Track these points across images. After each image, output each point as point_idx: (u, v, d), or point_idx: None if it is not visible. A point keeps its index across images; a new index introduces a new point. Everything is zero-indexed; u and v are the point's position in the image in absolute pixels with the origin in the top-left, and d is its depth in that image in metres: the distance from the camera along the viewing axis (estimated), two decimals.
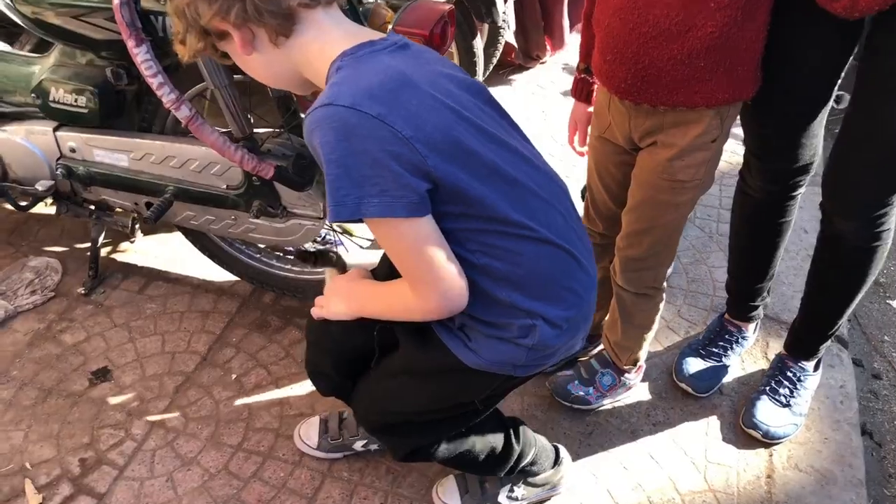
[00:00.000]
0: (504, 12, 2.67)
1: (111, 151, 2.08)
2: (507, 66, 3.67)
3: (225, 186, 2.05)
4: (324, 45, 1.16)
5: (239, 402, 2.10)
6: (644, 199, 1.73)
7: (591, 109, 1.88)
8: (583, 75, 1.87)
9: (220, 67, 1.80)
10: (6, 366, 2.19)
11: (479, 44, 2.83)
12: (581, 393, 2.07)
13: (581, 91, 1.90)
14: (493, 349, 1.28)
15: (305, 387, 2.13)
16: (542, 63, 3.72)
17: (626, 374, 2.07)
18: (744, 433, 2.01)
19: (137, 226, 2.32)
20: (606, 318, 2.09)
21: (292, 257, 2.36)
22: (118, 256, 2.59)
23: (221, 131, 1.85)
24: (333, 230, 2.36)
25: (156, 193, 2.08)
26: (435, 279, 1.17)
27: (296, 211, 2.05)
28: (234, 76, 1.84)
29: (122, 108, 2.06)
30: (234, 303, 2.40)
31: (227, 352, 2.25)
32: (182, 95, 1.78)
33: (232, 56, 1.25)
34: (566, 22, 3.51)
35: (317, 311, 1.46)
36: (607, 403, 2.10)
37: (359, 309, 1.37)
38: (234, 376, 2.17)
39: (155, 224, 2.03)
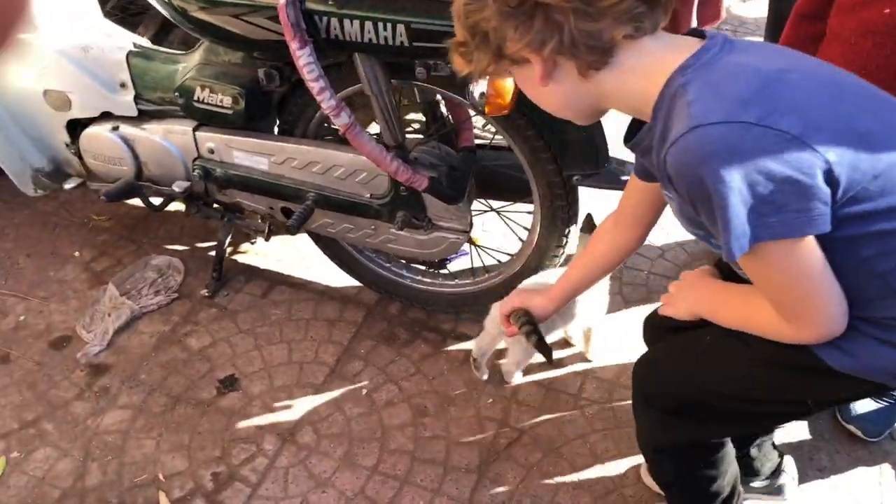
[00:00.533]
0: None
1: (252, 154, 2.00)
2: None
3: (369, 195, 1.95)
4: (649, 67, 1.03)
5: (371, 419, 2.01)
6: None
7: None
8: None
9: (378, 72, 1.70)
10: (134, 369, 2.14)
11: None
12: None
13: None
14: (875, 354, 1.09)
15: (439, 407, 2.03)
16: None
17: None
18: None
19: (272, 230, 2.23)
20: None
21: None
22: (240, 258, 2.53)
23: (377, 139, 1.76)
24: (469, 241, 2.24)
25: (295, 199, 2.00)
26: (818, 311, 1.03)
27: (441, 224, 1.95)
28: (392, 81, 1.74)
29: (268, 110, 1.98)
30: (360, 312, 2.32)
31: (356, 364, 2.16)
32: (342, 102, 1.69)
33: (518, 80, 1.14)
34: (695, 22, 3.32)
35: (665, 310, 1.35)
36: None
37: (709, 312, 1.25)
38: (364, 391, 2.09)
39: (297, 233, 1.95)
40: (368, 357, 2.18)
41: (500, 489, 1.84)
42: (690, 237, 1.85)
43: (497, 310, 1.85)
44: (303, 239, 2.55)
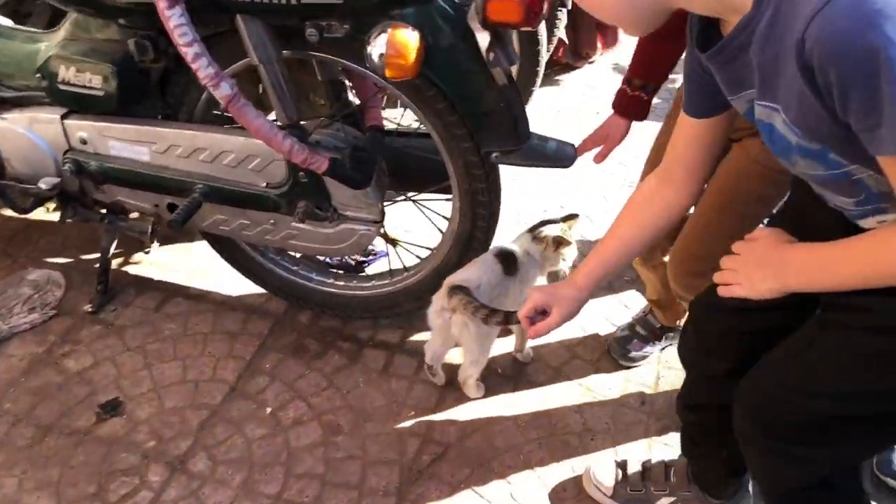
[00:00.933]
0: None
1: (130, 143, 1.75)
2: (554, 66, 3.37)
3: (265, 184, 1.72)
4: None
5: (276, 441, 1.76)
6: (724, 186, 1.51)
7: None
8: (636, 92, 1.62)
9: (265, 37, 1.49)
10: None
11: (543, 30, 2.54)
12: (639, 352, 1.95)
13: (626, 106, 1.66)
14: None
15: (354, 424, 1.80)
16: (591, 63, 3.43)
17: None
18: None
19: (157, 231, 1.97)
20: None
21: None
22: (131, 269, 2.25)
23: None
24: (386, 238, 2.03)
25: (181, 193, 1.76)
26: None
27: (349, 213, 1.73)
28: (283, 52, 1.53)
29: (145, 91, 1.74)
30: (265, 323, 2.07)
31: (260, 381, 1.91)
32: (223, 72, 1.47)
33: None
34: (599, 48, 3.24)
35: (733, 290, 1.08)
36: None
37: (808, 282, 1.00)
38: (268, 410, 1.84)
39: (180, 229, 1.70)
40: (274, 372, 1.93)
41: None
42: None
43: (440, 301, 1.67)
44: (202, 246, 2.30)
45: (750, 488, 1.55)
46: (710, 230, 1.54)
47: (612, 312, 2.11)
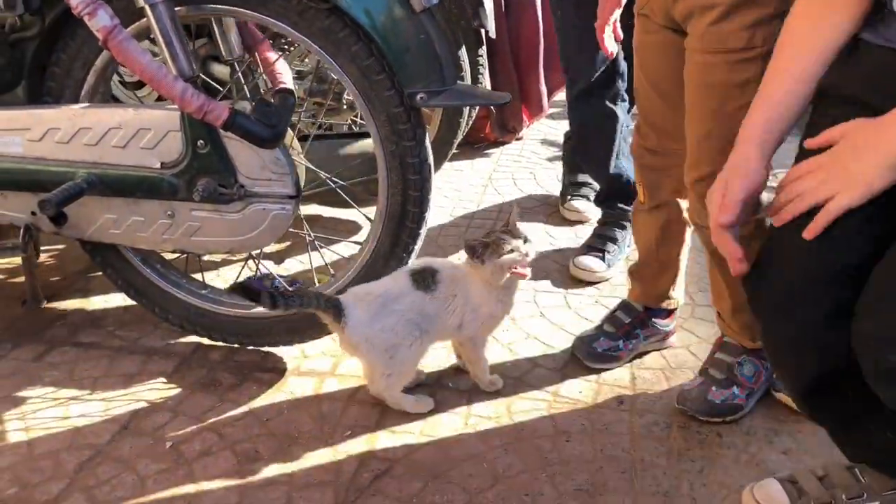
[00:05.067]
0: (490, 19, 2.32)
1: None
2: (482, 142, 3.31)
3: (159, 164, 1.49)
4: None
5: (176, 475, 1.40)
6: (694, 96, 1.38)
7: None
8: None
9: None
10: None
11: (484, 52, 2.43)
12: (725, 398, 1.52)
13: None
14: None
15: (277, 450, 1.45)
16: (518, 139, 3.37)
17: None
18: None
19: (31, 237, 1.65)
20: (710, 290, 1.57)
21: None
22: (4, 317, 1.92)
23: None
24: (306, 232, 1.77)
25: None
26: None
27: (258, 189, 1.50)
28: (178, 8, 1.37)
29: (17, 71, 1.53)
30: (169, 362, 1.74)
31: (160, 417, 1.56)
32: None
33: None
34: (543, 88, 3.21)
35: (832, 207, 0.89)
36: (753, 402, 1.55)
37: None
38: (168, 444, 1.48)
39: (55, 216, 1.43)
40: (179, 408, 1.59)
41: None
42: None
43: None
44: (95, 290, 2.01)
45: None
46: (710, 141, 1.36)
47: (573, 327, 1.86)
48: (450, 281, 1.52)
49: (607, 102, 2.06)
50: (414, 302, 1.48)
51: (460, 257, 1.62)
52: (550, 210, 2.53)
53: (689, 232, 1.67)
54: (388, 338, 1.46)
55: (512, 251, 1.45)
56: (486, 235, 1.49)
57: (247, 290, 1.44)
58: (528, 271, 1.49)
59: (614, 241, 2.12)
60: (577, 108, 2.12)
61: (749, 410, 1.53)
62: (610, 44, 1.64)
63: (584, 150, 2.24)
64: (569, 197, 2.47)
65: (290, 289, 1.81)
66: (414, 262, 1.58)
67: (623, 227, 2.14)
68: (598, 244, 2.12)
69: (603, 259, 2.08)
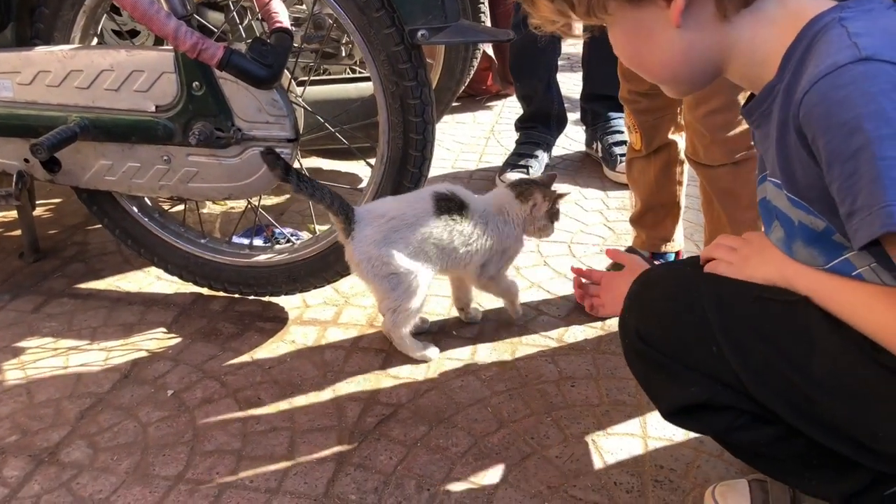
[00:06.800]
0: None
1: None
2: (484, 95, 3.26)
3: (154, 108, 1.45)
4: (790, 14, 0.83)
5: (178, 421, 1.38)
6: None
7: None
8: None
9: None
10: None
11: None
12: None
13: None
14: None
15: (279, 396, 1.44)
16: None
17: None
18: None
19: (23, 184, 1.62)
20: (705, 232, 1.57)
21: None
22: (2, 269, 1.89)
23: None
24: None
25: None
26: None
27: (255, 133, 1.46)
28: None
29: (6, 14, 1.48)
30: (169, 313, 1.72)
31: (161, 366, 1.54)
32: None
33: (621, 29, 0.90)
34: None
35: (716, 267, 0.98)
36: None
37: (805, 289, 0.89)
38: (170, 392, 1.46)
39: (47, 161, 1.40)
40: (179, 357, 1.57)
41: (371, 474, 1.25)
42: None
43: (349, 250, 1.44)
44: (93, 242, 1.99)
45: None
46: None
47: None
48: (480, 218, 1.48)
49: None
50: (432, 231, 1.43)
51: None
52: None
53: (686, 170, 1.65)
54: (391, 264, 1.42)
55: (558, 211, 1.53)
56: (546, 182, 1.55)
57: (272, 156, 1.37)
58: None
59: (535, 157, 2.39)
60: (522, 32, 2.21)
61: None
62: None
63: (522, 73, 2.41)
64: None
65: (293, 236, 1.79)
66: (439, 186, 1.51)
67: (539, 146, 2.42)
68: (521, 162, 2.37)
69: (528, 174, 2.32)
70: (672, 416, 1.01)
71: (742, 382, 0.92)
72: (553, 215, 1.53)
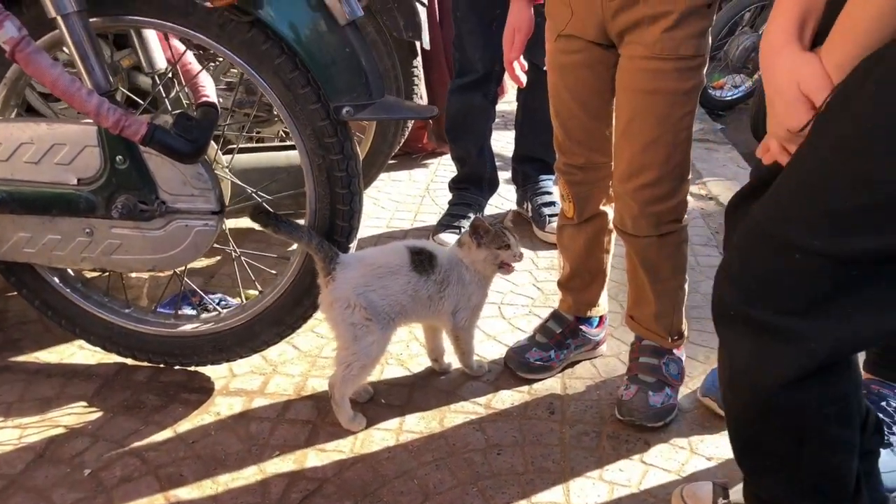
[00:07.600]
0: (424, 31, 2.32)
1: None
2: (419, 152, 3.30)
3: (76, 181, 1.44)
4: None
5: (95, 503, 1.34)
6: (641, 104, 1.40)
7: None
8: None
9: None
10: None
11: (419, 63, 2.46)
12: (662, 401, 1.56)
13: None
14: None
15: (202, 473, 1.41)
16: None
17: (677, 351, 1.65)
18: None
19: None
20: (629, 296, 1.63)
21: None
22: None
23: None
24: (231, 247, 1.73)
25: None
26: None
27: (179, 206, 1.46)
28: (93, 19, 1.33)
29: None
30: (90, 385, 1.68)
31: (79, 443, 1.50)
32: (6, 10, 1.24)
33: None
34: None
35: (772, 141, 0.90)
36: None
37: (842, 55, 0.81)
38: (87, 471, 1.42)
39: None
40: (99, 433, 1.53)
41: None
42: None
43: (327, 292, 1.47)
44: (11, 311, 1.93)
45: None
46: (657, 147, 1.41)
47: (506, 338, 1.87)
48: (447, 265, 1.56)
49: (484, 98, 2.36)
50: (409, 282, 1.51)
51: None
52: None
53: (613, 239, 1.70)
54: (363, 311, 1.46)
55: (510, 247, 1.56)
56: (493, 224, 1.57)
57: (262, 214, 1.44)
58: (514, 269, 1.62)
59: (468, 218, 2.39)
60: (459, 98, 2.37)
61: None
62: (521, 76, 1.63)
63: (457, 136, 2.47)
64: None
65: (222, 301, 1.78)
66: (409, 241, 1.61)
67: (471, 208, 2.45)
68: (454, 223, 2.40)
69: (459, 233, 2.31)
70: (784, 388, 0.91)
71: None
72: (496, 244, 1.56)
